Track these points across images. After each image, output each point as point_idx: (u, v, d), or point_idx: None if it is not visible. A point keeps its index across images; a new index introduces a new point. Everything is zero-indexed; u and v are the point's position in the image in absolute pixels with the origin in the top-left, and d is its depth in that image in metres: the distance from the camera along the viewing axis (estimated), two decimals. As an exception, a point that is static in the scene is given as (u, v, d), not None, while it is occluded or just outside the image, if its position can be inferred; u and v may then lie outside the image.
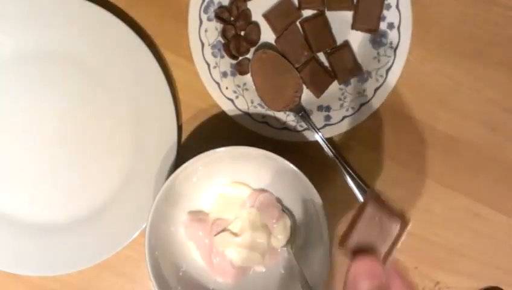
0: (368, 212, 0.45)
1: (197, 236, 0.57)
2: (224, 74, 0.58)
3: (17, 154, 0.59)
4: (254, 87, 0.59)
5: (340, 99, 0.59)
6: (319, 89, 0.59)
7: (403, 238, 0.45)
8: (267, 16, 0.58)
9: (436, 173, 0.59)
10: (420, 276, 0.60)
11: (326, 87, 0.59)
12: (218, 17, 0.57)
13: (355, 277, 0.40)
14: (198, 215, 0.57)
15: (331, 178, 0.58)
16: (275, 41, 0.59)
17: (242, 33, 0.59)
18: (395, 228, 0.46)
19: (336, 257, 0.60)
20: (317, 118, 0.58)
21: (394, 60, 0.57)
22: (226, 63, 0.58)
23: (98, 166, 0.59)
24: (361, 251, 0.43)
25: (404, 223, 0.46)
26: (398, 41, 0.57)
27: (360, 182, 0.57)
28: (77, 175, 0.59)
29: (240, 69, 0.58)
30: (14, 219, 0.59)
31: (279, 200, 0.58)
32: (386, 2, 0.57)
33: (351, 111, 0.58)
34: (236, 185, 0.58)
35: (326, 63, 0.59)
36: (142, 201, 0.58)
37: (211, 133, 0.60)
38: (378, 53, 0.58)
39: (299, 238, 0.57)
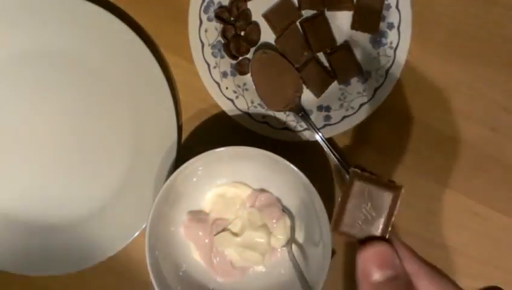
0: (355, 191, 0.43)
1: (197, 236, 0.57)
2: (224, 74, 0.58)
3: (17, 154, 0.59)
4: (254, 87, 0.59)
5: (340, 99, 0.59)
6: (319, 89, 0.59)
7: (398, 206, 0.43)
8: (267, 16, 0.58)
9: (436, 173, 0.59)
10: (420, 276, 0.59)
11: (326, 87, 0.59)
12: (218, 17, 0.57)
13: (365, 268, 0.37)
14: (198, 215, 0.57)
15: (331, 178, 0.58)
16: (275, 41, 0.59)
17: (242, 33, 0.59)
18: (387, 198, 0.43)
19: (336, 257, 0.60)
20: (317, 118, 0.58)
21: (394, 60, 0.57)
22: (226, 63, 0.58)
23: (98, 166, 0.59)
24: (369, 238, 0.39)
25: (396, 191, 0.44)
26: (398, 41, 0.57)
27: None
28: (77, 175, 0.59)
29: (240, 69, 0.58)
30: (14, 218, 0.59)
31: (279, 200, 0.58)
32: (386, 2, 0.57)
33: (351, 111, 0.58)
34: (236, 185, 0.58)
35: (326, 63, 0.59)
36: (142, 201, 0.58)
37: (211, 133, 0.60)
38: (378, 53, 0.58)
39: (299, 238, 0.57)
